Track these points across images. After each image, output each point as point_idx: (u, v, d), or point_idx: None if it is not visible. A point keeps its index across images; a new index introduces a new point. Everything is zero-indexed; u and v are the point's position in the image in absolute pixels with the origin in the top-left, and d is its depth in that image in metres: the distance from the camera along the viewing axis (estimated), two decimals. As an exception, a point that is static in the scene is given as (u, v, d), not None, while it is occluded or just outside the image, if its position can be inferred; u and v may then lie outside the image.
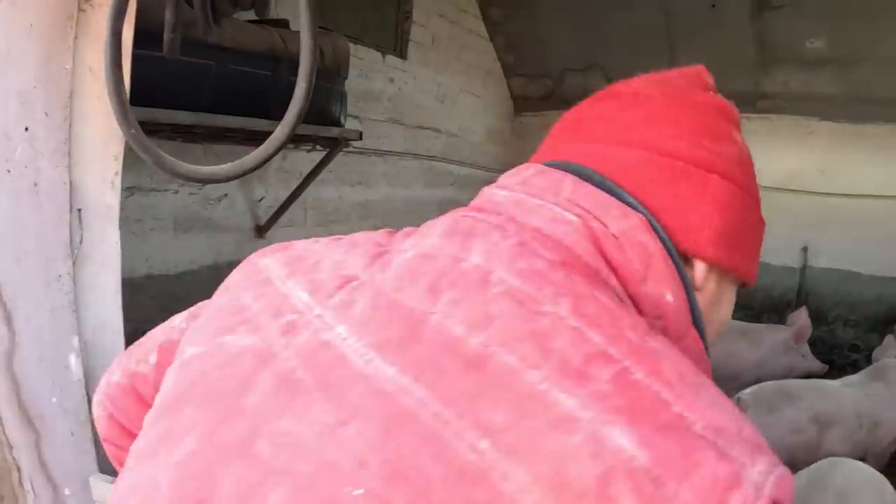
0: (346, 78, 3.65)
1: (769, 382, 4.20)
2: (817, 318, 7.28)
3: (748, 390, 4.06)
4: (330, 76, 3.39)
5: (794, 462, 3.31)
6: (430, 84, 6.33)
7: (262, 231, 4.41)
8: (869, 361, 6.29)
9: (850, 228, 7.28)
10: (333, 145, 4.03)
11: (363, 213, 5.51)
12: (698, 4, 6.72)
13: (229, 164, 1.40)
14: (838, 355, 7.02)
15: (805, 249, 7.49)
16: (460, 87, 6.93)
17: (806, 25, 6.59)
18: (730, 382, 5.12)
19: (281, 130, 1.32)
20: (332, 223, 5.15)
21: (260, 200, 4.43)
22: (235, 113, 2.84)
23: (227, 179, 1.44)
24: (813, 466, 3.03)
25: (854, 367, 6.75)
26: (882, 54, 6.50)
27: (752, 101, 7.41)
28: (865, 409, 3.94)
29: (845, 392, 4.09)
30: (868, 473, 2.96)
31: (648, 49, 7.21)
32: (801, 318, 4.98)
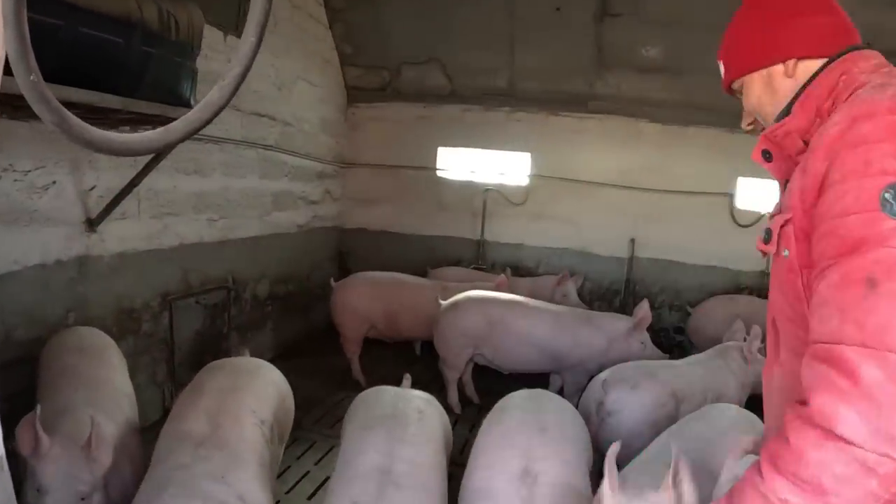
0: (198, 54, 3.35)
1: (626, 363, 4.43)
2: None
3: (607, 372, 4.24)
4: (182, 50, 3.08)
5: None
6: (269, 69, 6.08)
7: (93, 225, 3.99)
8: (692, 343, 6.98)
9: (674, 222, 7.86)
10: (178, 129, 3.71)
11: (198, 204, 5.19)
12: (543, 6, 6.94)
13: (151, 131, 1.21)
14: (664, 338, 7.62)
15: (633, 241, 7.94)
16: (297, 75, 6.71)
17: (643, 34, 7.04)
18: (577, 368, 5.34)
19: (220, 93, 1.16)
20: (167, 215, 4.80)
21: (91, 190, 4.01)
22: (80, 85, 2.51)
23: (147, 151, 1.24)
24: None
25: (680, 348, 7.35)
26: (710, 65, 6.92)
27: (584, 102, 7.78)
28: (709, 384, 4.28)
29: (692, 369, 4.44)
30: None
31: (489, 46, 7.40)
32: (643, 309, 5.25)
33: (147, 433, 3.24)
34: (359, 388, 5.75)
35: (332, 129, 7.83)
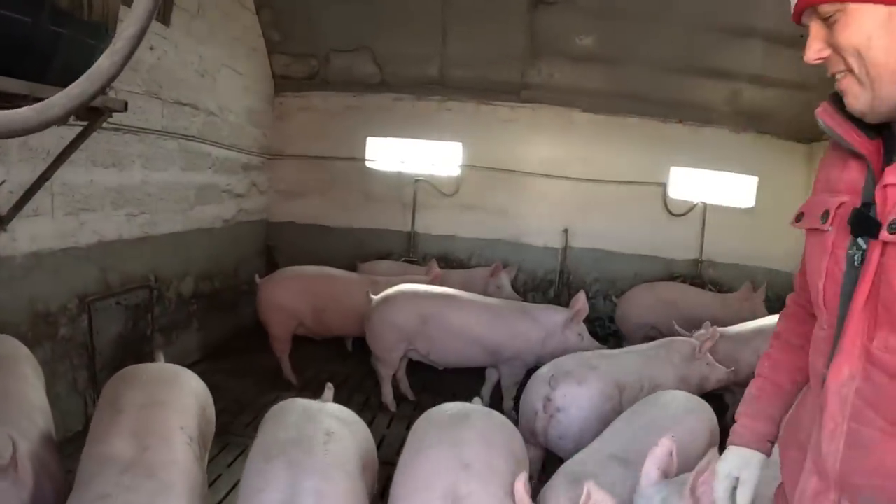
0: (112, 36, 3.10)
1: (566, 357, 4.38)
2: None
3: (550, 367, 4.19)
4: (96, 31, 2.84)
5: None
6: (192, 56, 5.80)
7: (3, 223, 3.70)
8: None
9: (608, 212, 7.95)
10: (94, 117, 3.40)
11: (117, 199, 4.92)
12: (476, -6, 6.84)
13: (26, 107, 1.04)
14: (600, 327, 7.68)
15: (566, 231, 7.98)
16: (222, 62, 6.45)
17: (577, 23, 7.05)
18: (514, 361, 5.31)
19: (110, 60, 1.00)
20: (82, 211, 4.52)
21: (0, 184, 3.73)
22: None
23: (23, 132, 1.06)
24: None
25: (615, 337, 7.43)
26: (642, 55, 7.18)
27: (517, 91, 7.77)
28: (646, 372, 4.29)
29: (631, 358, 4.46)
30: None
31: (420, 34, 7.31)
32: (580, 301, 5.25)
33: (69, 445, 3.03)
34: (290, 389, 5.67)
35: (258, 120, 7.58)
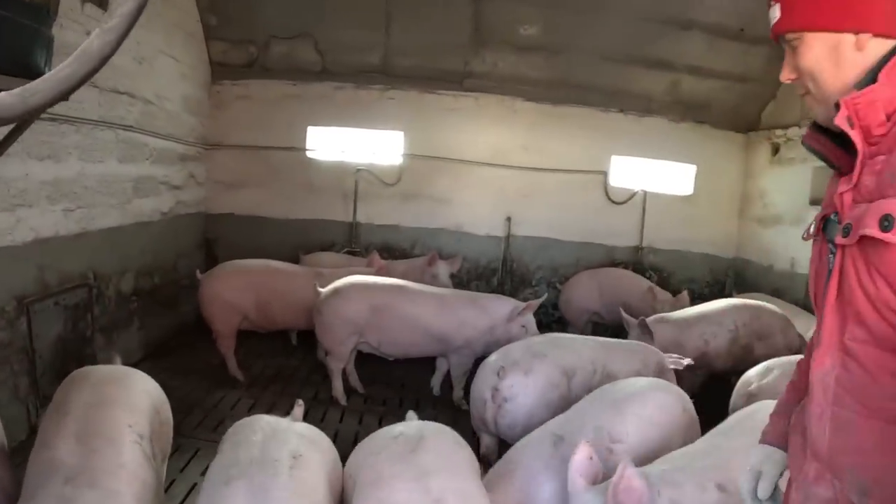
0: (54, 21, 2.94)
1: (514, 344, 4.44)
2: (523, 281, 8.08)
3: (498, 356, 4.22)
4: (36, 14, 2.69)
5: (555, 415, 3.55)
6: (129, 42, 5.53)
7: (-64, 220, 3.52)
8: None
9: (550, 200, 8.05)
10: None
11: (53, 193, 4.71)
12: (422, -19, 6.80)
13: (5, 93, 0.96)
14: (543, 314, 7.75)
15: (509, 220, 8.05)
16: (159, 48, 6.24)
17: (522, 12, 7.08)
18: (463, 350, 5.37)
19: (102, 39, 0.94)
20: (19, 207, 4.32)
21: (-68, 180, 3.54)
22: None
23: (7, 121, 0.97)
24: None
25: (559, 324, 7.51)
26: (585, 45, 7.29)
27: (460, 80, 7.78)
28: (599, 357, 4.32)
29: (582, 342, 4.52)
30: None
31: (363, 23, 7.24)
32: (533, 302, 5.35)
33: (15, 455, 2.90)
34: (237, 386, 5.63)
35: (195, 108, 7.37)
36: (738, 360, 5.38)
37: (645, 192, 8.13)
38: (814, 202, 7.28)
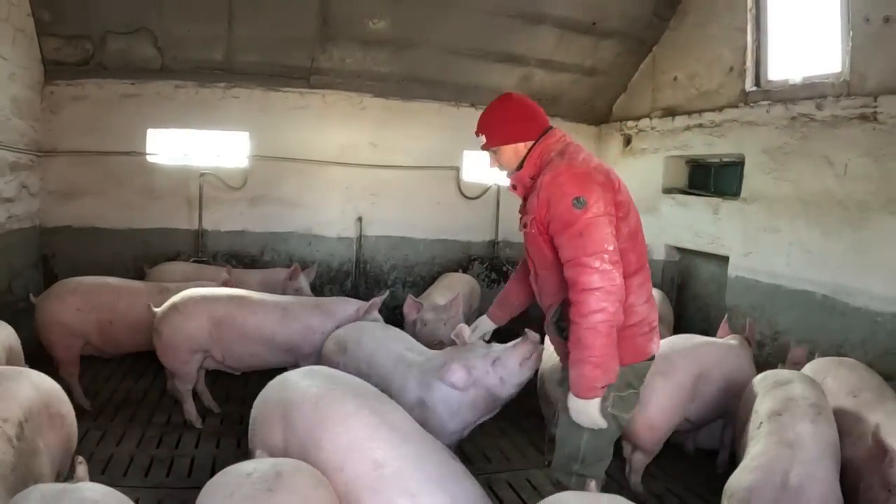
0: None
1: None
2: (378, 282, 8.34)
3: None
4: None
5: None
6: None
7: None
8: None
9: (402, 197, 8.41)
10: None
11: None
12: (263, -26, 6.85)
13: None
14: (400, 314, 7.92)
15: (360, 220, 8.38)
16: (-16, 47, 6.09)
17: (370, 6, 7.31)
18: (312, 358, 5.42)
19: None
20: None
21: None
22: None
23: None
24: None
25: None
26: (434, 39, 7.61)
27: (306, 76, 7.95)
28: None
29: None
30: None
31: (205, 16, 7.19)
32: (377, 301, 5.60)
33: None
34: (86, 415, 5.48)
35: (26, 112, 7.13)
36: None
37: (498, 187, 8.55)
38: (666, 190, 7.93)
